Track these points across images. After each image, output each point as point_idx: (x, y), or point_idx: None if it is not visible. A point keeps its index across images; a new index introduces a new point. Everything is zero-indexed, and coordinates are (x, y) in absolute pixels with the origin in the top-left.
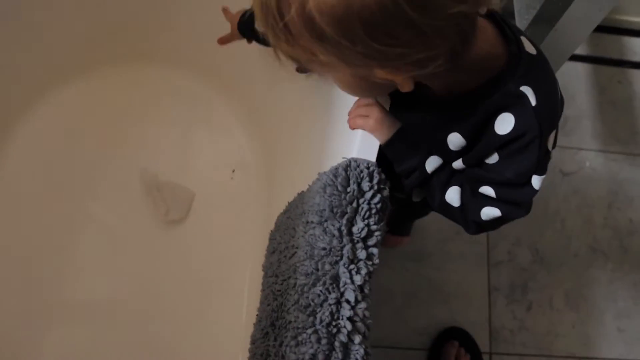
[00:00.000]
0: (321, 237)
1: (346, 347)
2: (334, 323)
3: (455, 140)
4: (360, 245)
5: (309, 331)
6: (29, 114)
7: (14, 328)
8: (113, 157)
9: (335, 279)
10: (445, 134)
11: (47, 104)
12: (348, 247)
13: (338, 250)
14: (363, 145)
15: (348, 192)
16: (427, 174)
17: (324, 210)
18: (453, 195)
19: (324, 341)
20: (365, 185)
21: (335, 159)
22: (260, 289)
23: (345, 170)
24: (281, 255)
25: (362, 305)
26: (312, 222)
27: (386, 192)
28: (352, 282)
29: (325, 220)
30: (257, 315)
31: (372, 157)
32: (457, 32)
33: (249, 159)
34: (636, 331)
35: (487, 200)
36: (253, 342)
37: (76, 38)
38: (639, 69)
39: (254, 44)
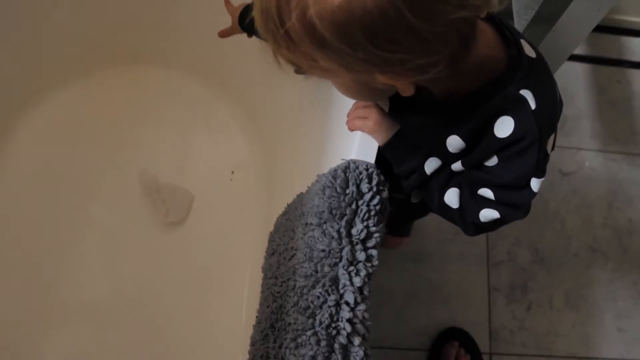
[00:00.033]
0: (320, 239)
1: (346, 349)
2: (333, 325)
3: (454, 142)
4: (359, 247)
5: (309, 333)
6: (29, 115)
7: (14, 328)
8: (113, 158)
9: (335, 280)
10: (445, 136)
11: (47, 105)
12: (347, 249)
13: (337, 252)
14: (362, 146)
15: (347, 194)
16: (426, 175)
17: (323, 212)
18: (452, 197)
19: (323, 343)
20: (365, 186)
21: (334, 160)
22: (259, 291)
23: (345, 172)
24: (280, 257)
25: (362, 307)
26: (311, 223)
27: (385, 194)
28: (352, 283)
29: (325, 222)
30: (256, 316)
31: (371, 158)
32: (458, 37)
33: (249, 160)
34: (636, 331)
35: (486, 203)
36: (253, 344)
37: (76, 39)
38: (637, 69)
39: (254, 39)
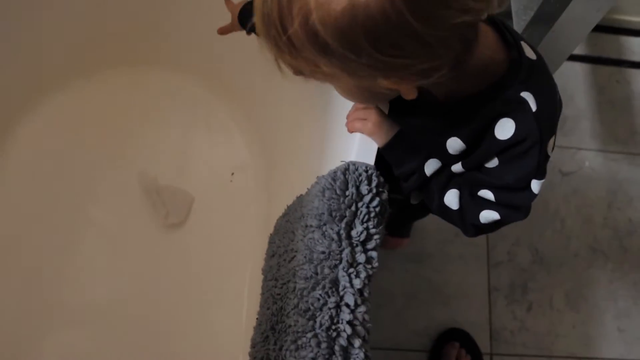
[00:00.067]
0: (320, 241)
1: (346, 351)
2: (333, 327)
3: (454, 144)
4: (359, 248)
5: (309, 335)
6: (29, 117)
7: (14, 330)
8: (113, 159)
9: (335, 282)
10: (445, 138)
11: (47, 107)
12: (347, 250)
13: (337, 254)
14: (361, 148)
15: (347, 196)
16: (426, 176)
17: (323, 214)
18: (451, 199)
19: (323, 345)
20: (364, 188)
21: (334, 162)
22: (259, 292)
23: (344, 174)
24: (280, 259)
25: (362, 308)
26: (311, 225)
27: (385, 196)
28: (352, 285)
29: (324, 224)
30: (257, 318)
31: (370, 160)
32: (460, 41)
33: (248, 161)
34: (636, 331)
35: (486, 204)
36: (253, 346)
37: (76, 41)
38: (637, 69)
39: (254, 38)
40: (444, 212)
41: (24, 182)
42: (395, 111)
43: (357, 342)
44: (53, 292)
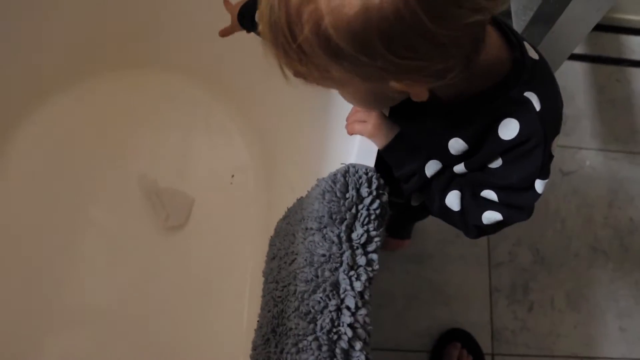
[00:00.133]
0: (320, 244)
1: (347, 354)
2: (334, 330)
3: (456, 145)
4: (359, 251)
5: (310, 338)
6: (28, 119)
7: (14, 330)
8: (113, 161)
9: (335, 285)
10: (447, 139)
11: (46, 109)
12: (347, 253)
13: (338, 257)
14: (361, 150)
15: (347, 198)
16: (427, 178)
17: (323, 216)
18: (453, 200)
19: (324, 348)
20: (364, 191)
21: (334, 163)
22: (260, 295)
23: (344, 176)
24: (281, 262)
25: (363, 311)
26: (311, 228)
27: (385, 198)
28: (352, 288)
29: (325, 227)
30: (258, 321)
31: (370, 162)
32: (471, 41)
33: (248, 163)
34: (638, 330)
35: (489, 204)
36: (254, 349)
37: (75, 44)
38: (637, 67)
39: (254, 38)
40: (445, 213)
41: (25, 183)
42: (396, 113)
43: (358, 345)
44: (53, 294)
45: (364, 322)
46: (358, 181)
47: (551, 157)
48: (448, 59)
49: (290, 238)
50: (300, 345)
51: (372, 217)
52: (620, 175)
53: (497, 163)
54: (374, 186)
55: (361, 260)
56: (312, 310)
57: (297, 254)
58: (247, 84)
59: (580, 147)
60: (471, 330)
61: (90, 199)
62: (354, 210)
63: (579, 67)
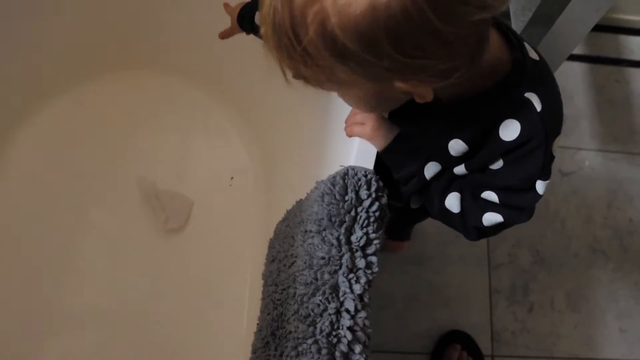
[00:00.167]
0: (320, 247)
1: (347, 357)
2: (334, 333)
3: (456, 146)
4: (359, 254)
5: (309, 341)
6: (28, 120)
7: (14, 331)
8: (112, 164)
9: (335, 288)
10: (447, 140)
11: (46, 111)
12: (347, 256)
13: (337, 260)
14: (361, 152)
15: (346, 201)
16: (426, 180)
17: (322, 219)
18: (453, 201)
19: (324, 351)
20: (363, 193)
21: (333, 165)
22: (260, 297)
23: (343, 179)
24: (280, 264)
25: (362, 314)
26: (310, 231)
27: (384, 200)
28: (352, 291)
29: (324, 229)
30: (257, 324)
31: (369, 164)
32: (477, 40)
33: (248, 165)
34: (638, 331)
35: (490, 206)
36: (254, 351)
37: (75, 45)
38: (636, 68)
39: (253, 40)
40: (445, 215)
41: (25, 184)
42: (396, 114)
43: (357, 348)
44: (53, 294)
45: (364, 325)
46: (357, 183)
47: (552, 157)
48: (455, 58)
49: (290, 240)
50: (300, 349)
51: (372, 219)
52: (619, 175)
53: (498, 164)
54: (373, 188)
55: (360, 263)
56: (312, 313)
57: (296, 257)
58: (246, 86)
59: (579, 148)
60: (471, 332)
61: (90, 201)
62: (353, 213)
63: (578, 67)
